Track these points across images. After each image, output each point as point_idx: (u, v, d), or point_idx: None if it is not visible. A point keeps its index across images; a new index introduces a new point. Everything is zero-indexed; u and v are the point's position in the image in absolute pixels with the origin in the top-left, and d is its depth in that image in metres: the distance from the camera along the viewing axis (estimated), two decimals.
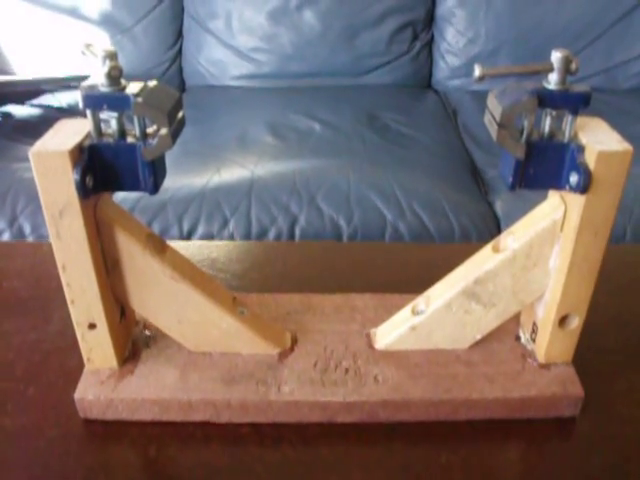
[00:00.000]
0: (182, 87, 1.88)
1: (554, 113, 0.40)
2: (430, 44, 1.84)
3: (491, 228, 1.20)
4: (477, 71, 0.39)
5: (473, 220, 1.19)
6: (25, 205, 1.20)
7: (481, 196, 1.30)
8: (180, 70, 1.87)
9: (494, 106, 0.40)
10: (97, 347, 0.45)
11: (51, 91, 1.67)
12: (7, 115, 1.56)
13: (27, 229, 1.18)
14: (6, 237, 1.17)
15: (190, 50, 1.83)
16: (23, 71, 1.75)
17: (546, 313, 0.46)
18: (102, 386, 0.45)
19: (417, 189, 1.24)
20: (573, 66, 0.38)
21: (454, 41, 1.78)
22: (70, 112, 1.57)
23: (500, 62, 1.70)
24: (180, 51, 1.85)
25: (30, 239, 1.17)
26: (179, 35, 1.84)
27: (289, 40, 1.75)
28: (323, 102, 1.64)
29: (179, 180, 1.25)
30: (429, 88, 1.87)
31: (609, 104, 1.57)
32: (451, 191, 1.26)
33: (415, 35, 1.80)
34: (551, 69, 0.39)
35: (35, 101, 1.63)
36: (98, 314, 0.44)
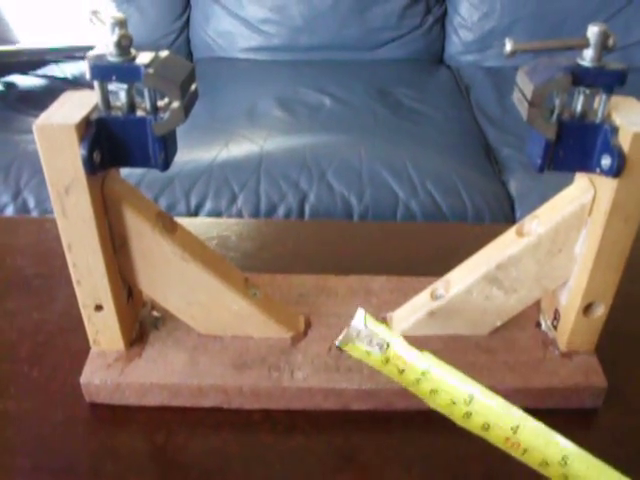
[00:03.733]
0: (190, 59, 1.85)
1: (587, 91, 0.38)
2: (443, 18, 1.80)
3: (505, 208, 1.18)
4: (508, 46, 0.37)
5: (486, 199, 1.17)
6: (29, 178, 1.18)
7: (495, 175, 1.28)
8: (188, 41, 1.84)
9: (525, 83, 0.38)
10: (104, 329, 0.44)
11: (55, 61, 1.64)
12: (10, 85, 1.53)
13: (31, 203, 1.16)
14: (10, 211, 1.16)
15: (198, 21, 1.80)
16: (27, 40, 1.71)
17: (570, 300, 0.45)
18: (109, 370, 0.43)
19: (430, 167, 1.22)
20: (610, 42, 0.36)
21: (468, 15, 1.74)
22: (75, 83, 1.55)
23: (516, 38, 1.66)
24: (188, 22, 1.82)
25: (34, 213, 1.15)
26: (187, 5, 1.81)
27: (299, 12, 1.72)
28: (334, 76, 1.61)
29: (186, 155, 1.23)
30: (441, 63, 1.84)
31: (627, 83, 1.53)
32: (464, 169, 1.24)
33: (428, 9, 1.76)
34: (587, 45, 0.36)
35: (39, 71, 1.60)
36: (105, 295, 0.42)
